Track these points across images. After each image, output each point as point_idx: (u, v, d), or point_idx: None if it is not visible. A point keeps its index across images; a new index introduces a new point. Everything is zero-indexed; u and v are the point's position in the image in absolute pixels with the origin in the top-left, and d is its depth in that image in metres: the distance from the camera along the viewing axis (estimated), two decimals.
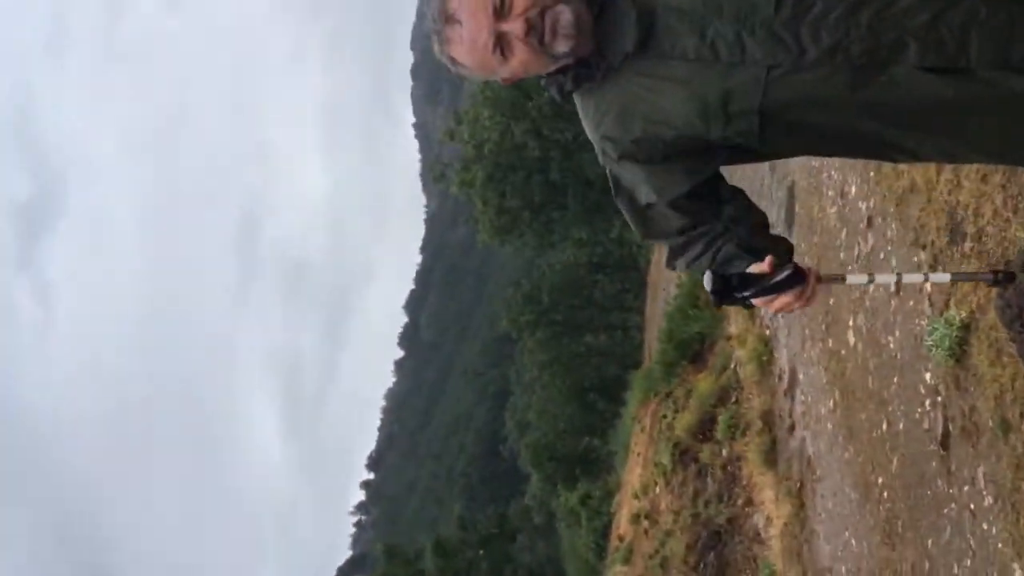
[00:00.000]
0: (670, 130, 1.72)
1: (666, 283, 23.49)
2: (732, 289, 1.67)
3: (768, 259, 1.70)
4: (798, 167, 8.07)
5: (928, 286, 4.37)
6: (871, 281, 1.83)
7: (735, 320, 10.81)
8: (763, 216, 1.92)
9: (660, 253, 27.20)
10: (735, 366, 10.08)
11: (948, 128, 1.63)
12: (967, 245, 3.86)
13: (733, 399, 9.82)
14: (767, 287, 1.67)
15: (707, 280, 1.67)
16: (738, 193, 1.90)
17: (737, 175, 7.46)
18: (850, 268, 6.07)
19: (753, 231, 1.85)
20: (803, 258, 7.44)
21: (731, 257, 1.81)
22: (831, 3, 1.56)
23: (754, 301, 1.71)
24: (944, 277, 1.91)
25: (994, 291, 3.53)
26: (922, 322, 4.32)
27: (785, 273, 1.66)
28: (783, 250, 1.87)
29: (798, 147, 1.82)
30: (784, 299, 1.71)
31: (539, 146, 29.91)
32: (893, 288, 1.87)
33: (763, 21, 1.58)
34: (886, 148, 1.74)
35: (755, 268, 1.72)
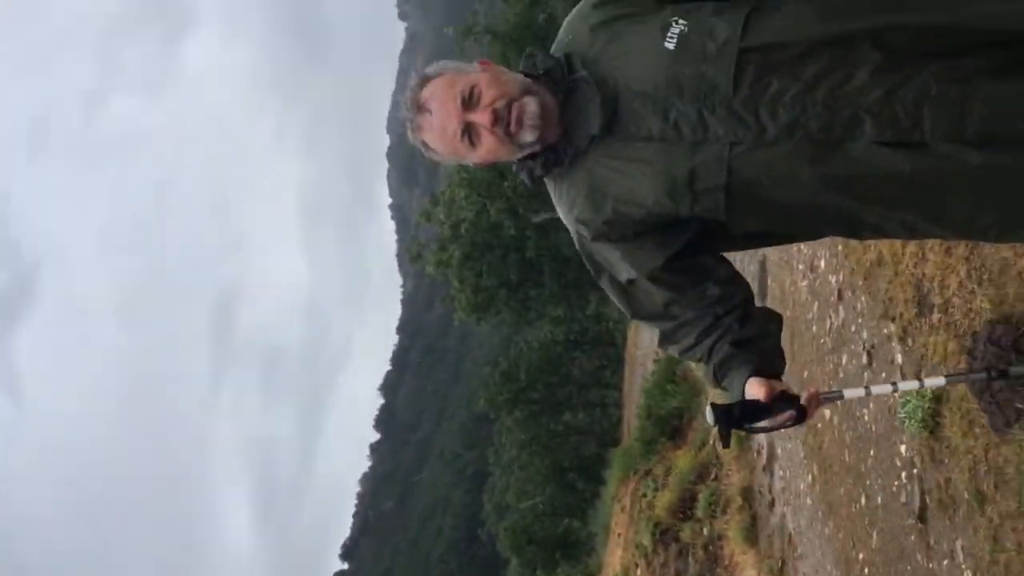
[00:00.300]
0: (640, 209, 1.76)
1: (644, 359, 23.49)
2: (735, 420, 1.69)
3: (766, 391, 1.71)
4: None
5: (899, 358, 4.40)
6: (868, 393, 1.84)
7: (712, 394, 10.79)
8: (748, 290, 1.93)
9: (637, 329, 27.28)
10: (714, 441, 10.01)
11: (908, 202, 1.66)
12: (935, 317, 3.91)
13: (713, 476, 9.73)
14: (774, 427, 1.71)
15: (710, 416, 1.70)
16: (721, 263, 1.92)
17: None
18: (824, 341, 6.11)
19: (743, 321, 1.86)
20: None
21: (728, 357, 1.83)
22: (787, 82, 1.60)
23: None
24: (939, 381, 1.91)
25: (963, 361, 3.56)
26: (896, 395, 4.33)
27: (790, 415, 1.69)
28: (774, 336, 1.89)
29: (765, 224, 1.84)
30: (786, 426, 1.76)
31: (515, 225, 30.20)
32: (891, 391, 1.87)
33: (723, 100, 1.62)
34: (850, 223, 1.77)
35: (754, 388, 1.74)
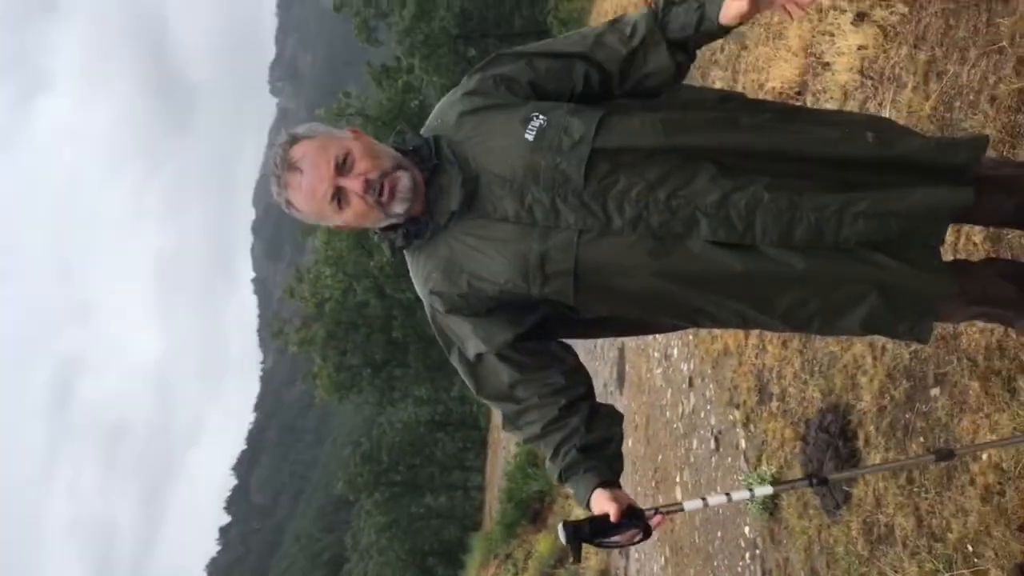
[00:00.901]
0: (493, 286, 1.87)
1: (506, 441, 23.55)
2: (586, 536, 1.79)
3: (615, 508, 1.81)
4: None
5: (743, 443, 4.68)
6: (705, 505, 1.95)
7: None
8: (589, 382, 2.04)
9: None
10: None
11: (739, 295, 1.84)
12: (773, 404, 4.20)
13: (571, 559, 9.81)
14: (623, 544, 1.81)
15: (562, 534, 1.79)
16: (567, 352, 2.03)
17: None
18: (676, 426, 6.39)
19: (589, 423, 1.96)
20: (633, 416, 7.76)
21: (575, 463, 1.92)
22: (633, 180, 1.77)
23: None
24: (767, 490, 2.05)
25: (799, 446, 3.84)
26: (739, 477, 4.59)
27: (636, 533, 1.80)
28: (617, 442, 1.99)
29: (612, 310, 1.98)
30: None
31: (381, 304, 30.06)
32: (725, 502, 1.98)
33: (574, 191, 1.78)
34: (689, 311, 1.92)
35: (602, 503, 1.83)
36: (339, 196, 1.81)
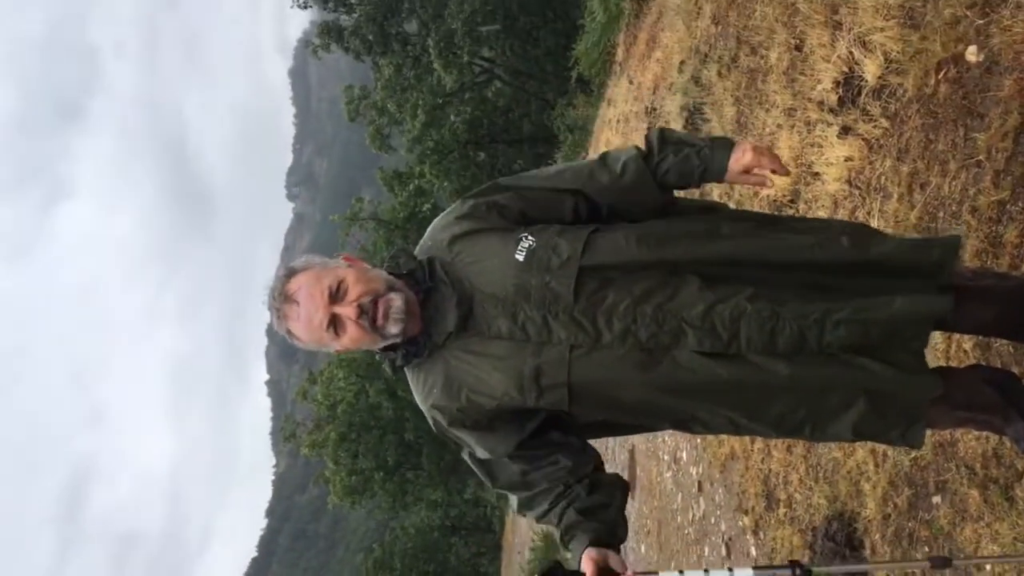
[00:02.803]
0: (491, 400, 1.93)
1: (520, 546, 23.06)
2: None
3: (592, 567, 1.84)
4: None
5: (753, 550, 4.60)
6: (681, 573, 1.99)
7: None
8: (597, 458, 2.08)
9: (514, 515, 26.82)
10: None
11: (728, 403, 1.88)
12: (781, 511, 4.15)
13: None
14: None
15: None
16: (570, 436, 2.05)
17: None
18: (688, 532, 6.28)
19: (592, 489, 2.01)
20: (645, 521, 7.62)
21: (573, 524, 1.97)
22: (621, 296, 1.85)
23: None
24: (748, 573, 2.09)
25: (807, 555, 3.78)
26: None
27: None
28: (617, 506, 2.03)
29: (607, 416, 2.03)
30: None
31: (393, 406, 29.90)
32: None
33: (565, 308, 1.85)
34: (682, 419, 1.97)
35: (585, 562, 1.86)
36: (334, 323, 1.90)
